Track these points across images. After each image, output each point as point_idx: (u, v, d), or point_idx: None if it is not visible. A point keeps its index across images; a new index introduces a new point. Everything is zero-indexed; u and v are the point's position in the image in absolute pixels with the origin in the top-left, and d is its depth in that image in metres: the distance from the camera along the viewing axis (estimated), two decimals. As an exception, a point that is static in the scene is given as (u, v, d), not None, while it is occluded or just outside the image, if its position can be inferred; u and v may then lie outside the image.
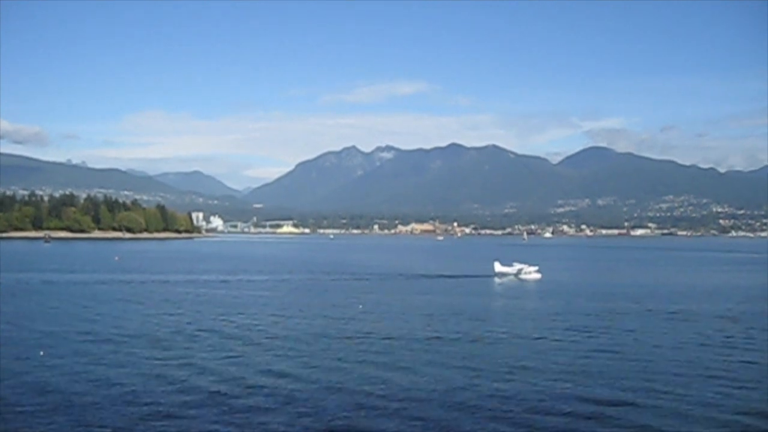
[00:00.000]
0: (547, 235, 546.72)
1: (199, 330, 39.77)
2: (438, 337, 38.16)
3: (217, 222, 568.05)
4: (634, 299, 60.87)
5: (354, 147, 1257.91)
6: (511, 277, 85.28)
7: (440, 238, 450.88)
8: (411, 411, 23.23)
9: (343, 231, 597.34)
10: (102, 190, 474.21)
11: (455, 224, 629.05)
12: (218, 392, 25.30)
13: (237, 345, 35.15)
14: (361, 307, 52.60)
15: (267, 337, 37.58)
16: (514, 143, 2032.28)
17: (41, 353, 31.92)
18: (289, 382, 27.11)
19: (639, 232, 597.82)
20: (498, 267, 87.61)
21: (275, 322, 43.89)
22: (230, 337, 37.38)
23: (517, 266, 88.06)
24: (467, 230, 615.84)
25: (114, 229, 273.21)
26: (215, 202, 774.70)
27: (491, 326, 43.20)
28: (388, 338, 37.65)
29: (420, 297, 61.80)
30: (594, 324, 44.41)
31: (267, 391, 25.68)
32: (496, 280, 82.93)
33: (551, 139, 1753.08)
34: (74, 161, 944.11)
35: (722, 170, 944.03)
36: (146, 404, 23.52)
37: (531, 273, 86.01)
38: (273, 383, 26.84)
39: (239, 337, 37.74)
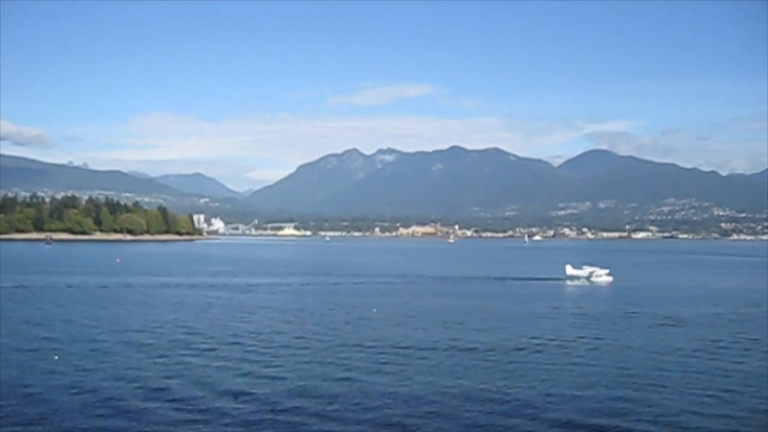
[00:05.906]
0: (537, 238, 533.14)
1: (209, 337, 38.78)
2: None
3: (218, 224, 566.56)
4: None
5: (355, 149, 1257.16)
6: (583, 280, 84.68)
7: (451, 240, 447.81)
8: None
9: (344, 233, 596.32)
10: (103, 192, 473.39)
11: (456, 227, 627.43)
12: (231, 407, 24.40)
13: (250, 353, 34.14)
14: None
15: (274, 345, 36.44)
16: (519, 146, 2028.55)
17: (56, 357, 31.64)
18: (302, 397, 26.24)
19: (640, 235, 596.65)
20: (569, 270, 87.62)
21: (282, 330, 42.78)
22: (242, 345, 36.34)
23: (588, 269, 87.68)
24: (468, 233, 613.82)
25: (115, 231, 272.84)
26: (216, 204, 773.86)
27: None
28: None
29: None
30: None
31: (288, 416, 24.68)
32: (568, 282, 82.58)
33: (556, 142, 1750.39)
34: (76, 163, 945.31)
35: (724, 173, 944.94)
36: (142, 414, 22.79)
37: (602, 276, 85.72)
38: (282, 396, 26.00)
39: (249, 344, 36.68)
